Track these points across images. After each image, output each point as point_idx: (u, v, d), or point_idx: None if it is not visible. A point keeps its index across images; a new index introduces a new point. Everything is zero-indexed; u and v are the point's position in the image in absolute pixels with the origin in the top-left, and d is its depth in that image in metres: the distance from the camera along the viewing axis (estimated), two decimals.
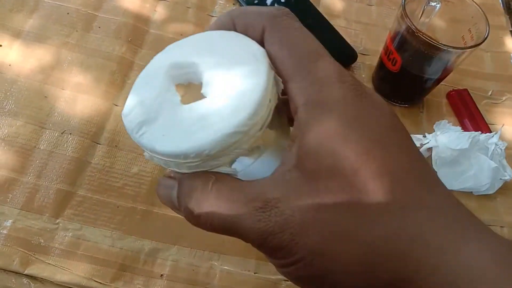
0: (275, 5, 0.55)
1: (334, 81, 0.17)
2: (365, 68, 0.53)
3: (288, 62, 0.18)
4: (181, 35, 0.51)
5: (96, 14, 0.50)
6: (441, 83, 0.47)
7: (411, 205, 0.16)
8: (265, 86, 0.17)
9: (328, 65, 0.18)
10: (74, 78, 0.45)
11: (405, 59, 0.44)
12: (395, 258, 0.16)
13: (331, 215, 0.16)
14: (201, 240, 0.38)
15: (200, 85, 0.19)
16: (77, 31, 0.48)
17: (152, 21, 0.51)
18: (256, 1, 0.55)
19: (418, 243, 0.16)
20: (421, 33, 0.40)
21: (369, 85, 0.52)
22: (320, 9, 0.55)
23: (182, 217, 0.19)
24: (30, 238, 0.36)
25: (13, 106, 0.42)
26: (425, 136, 0.46)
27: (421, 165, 0.17)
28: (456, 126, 0.46)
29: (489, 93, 0.53)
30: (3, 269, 0.35)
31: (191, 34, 0.21)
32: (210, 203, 0.18)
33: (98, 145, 0.42)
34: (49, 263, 0.35)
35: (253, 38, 0.19)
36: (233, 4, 0.55)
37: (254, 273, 0.38)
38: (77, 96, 0.44)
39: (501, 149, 0.44)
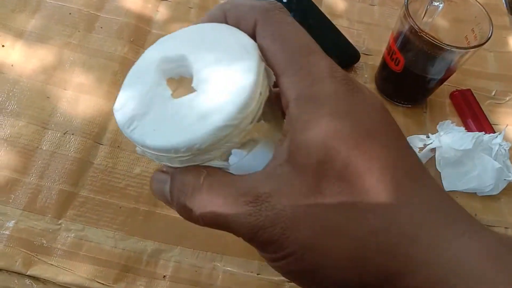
0: None
1: (326, 76, 0.17)
2: (367, 68, 0.52)
3: (280, 56, 0.18)
4: None
5: (98, 14, 0.50)
6: (444, 83, 0.47)
7: (401, 200, 0.16)
8: (255, 79, 0.17)
9: (319, 60, 0.18)
10: (76, 78, 0.45)
11: (408, 59, 0.44)
12: (384, 252, 0.16)
13: (322, 209, 0.16)
14: (204, 241, 0.38)
15: (191, 79, 0.19)
16: (79, 31, 0.48)
17: (154, 21, 0.51)
18: None
19: (407, 238, 0.16)
20: (424, 33, 0.40)
21: (372, 85, 0.51)
22: (323, 9, 0.55)
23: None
24: (33, 239, 0.36)
25: (15, 106, 0.42)
26: (428, 137, 0.46)
27: (411, 160, 0.18)
28: (460, 126, 0.46)
29: (493, 93, 0.53)
30: (6, 270, 0.35)
31: None
32: (201, 198, 0.18)
33: (101, 145, 0.42)
34: (52, 264, 0.35)
35: (244, 32, 0.19)
36: None
37: (257, 275, 0.37)
38: (79, 96, 0.44)
39: (505, 149, 0.44)
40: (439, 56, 0.41)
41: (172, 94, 0.19)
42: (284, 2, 0.55)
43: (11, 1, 0.49)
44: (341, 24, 0.55)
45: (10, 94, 0.43)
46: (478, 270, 0.15)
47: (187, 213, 0.18)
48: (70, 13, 0.49)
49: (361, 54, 0.52)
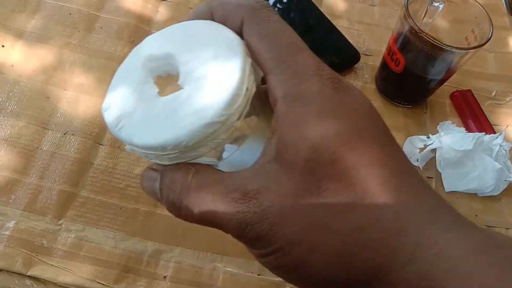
0: (277, 5, 0.55)
1: (313, 75, 0.17)
2: (368, 68, 0.52)
3: (267, 55, 0.18)
4: None
5: (98, 14, 0.50)
6: (445, 83, 0.47)
7: (387, 196, 0.16)
8: (240, 75, 0.17)
9: (306, 58, 0.18)
10: (76, 78, 0.45)
11: (408, 60, 0.44)
12: (371, 248, 0.16)
13: (310, 206, 0.16)
14: (204, 241, 0.38)
15: (178, 76, 0.19)
16: (79, 31, 0.48)
17: (154, 22, 0.51)
18: None
19: (393, 233, 0.16)
20: (424, 34, 0.40)
21: (372, 85, 0.51)
22: (323, 10, 0.55)
23: None
24: (33, 239, 0.36)
25: (15, 106, 0.42)
26: (429, 137, 0.46)
27: (398, 157, 0.18)
28: (460, 127, 0.46)
29: (493, 94, 0.53)
30: (6, 270, 0.35)
31: None
32: (190, 195, 0.18)
33: (101, 146, 0.42)
34: (52, 264, 0.35)
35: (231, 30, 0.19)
36: None
37: (258, 275, 0.37)
38: (80, 96, 0.44)
39: (505, 150, 0.44)
40: (439, 57, 0.41)
41: (158, 92, 0.19)
42: (284, 2, 0.55)
43: (11, 1, 0.49)
44: (341, 25, 0.55)
45: (10, 94, 0.43)
46: (465, 265, 0.15)
47: (176, 211, 0.19)
48: (70, 13, 0.49)
49: (361, 55, 0.52)
